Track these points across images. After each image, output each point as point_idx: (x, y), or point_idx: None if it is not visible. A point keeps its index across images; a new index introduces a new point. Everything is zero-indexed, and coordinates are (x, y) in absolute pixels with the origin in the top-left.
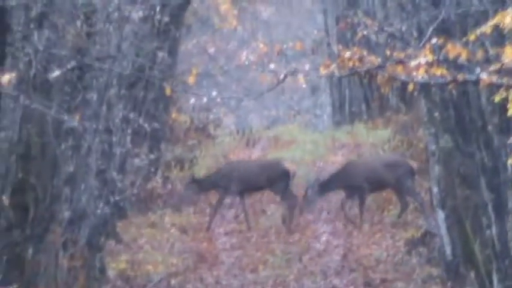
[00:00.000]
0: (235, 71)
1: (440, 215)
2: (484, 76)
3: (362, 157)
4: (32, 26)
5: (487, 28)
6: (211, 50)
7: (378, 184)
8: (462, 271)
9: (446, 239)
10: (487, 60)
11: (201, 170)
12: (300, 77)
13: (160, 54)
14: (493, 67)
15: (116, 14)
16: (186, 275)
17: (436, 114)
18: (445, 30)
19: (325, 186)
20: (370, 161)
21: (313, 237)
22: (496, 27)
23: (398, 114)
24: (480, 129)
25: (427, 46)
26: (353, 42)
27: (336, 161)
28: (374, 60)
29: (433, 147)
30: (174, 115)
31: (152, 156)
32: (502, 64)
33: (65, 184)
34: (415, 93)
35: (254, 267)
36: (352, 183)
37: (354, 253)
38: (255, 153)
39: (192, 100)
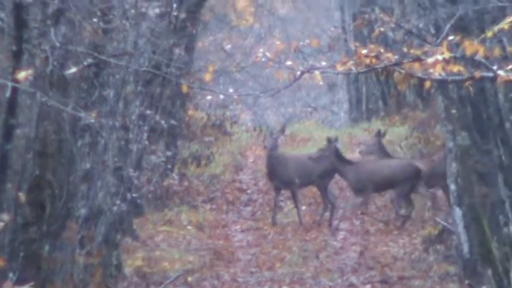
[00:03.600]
0: (252, 68)
1: (458, 212)
2: (501, 73)
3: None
4: (48, 22)
5: (504, 25)
6: (228, 47)
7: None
8: (479, 269)
9: (463, 237)
10: (505, 58)
11: (217, 167)
12: (317, 74)
13: (177, 51)
14: (511, 65)
15: (133, 11)
16: (203, 272)
17: (454, 111)
18: (463, 27)
19: None
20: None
21: (330, 235)
22: None
23: (416, 111)
24: (497, 127)
25: (444, 43)
26: (370, 39)
27: (353, 158)
28: (391, 57)
29: (450, 144)
30: (190, 112)
31: (169, 153)
32: None
33: (81, 181)
34: (432, 90)
35: (271, 265)
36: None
37: (371, 251)
38: None
39: (209, 97)
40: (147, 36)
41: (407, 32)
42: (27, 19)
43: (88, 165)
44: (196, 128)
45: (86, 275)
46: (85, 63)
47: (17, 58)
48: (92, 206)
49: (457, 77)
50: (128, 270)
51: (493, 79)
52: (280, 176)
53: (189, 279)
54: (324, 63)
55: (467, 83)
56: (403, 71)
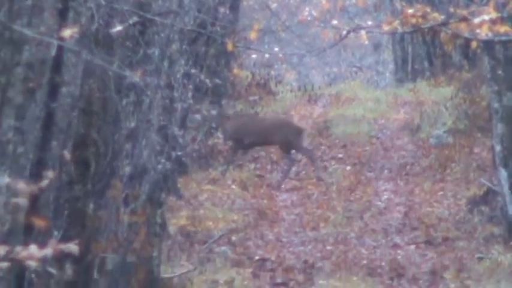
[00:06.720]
0: (297, 27)
1: (503, 173)
2: None
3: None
4: None
5: None
6: (273, 6)
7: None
8: None
9: (508, 198)
10: None
11: None
12: (363, 34)
13: (222, 9)
14: None
15: None
16: (247, 231)
17: (500, 71)
18: None
19: None
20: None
21: (375, 195)
22: None
23: (461, 71)
24: None
25: (491, 3)
26: None
27: (398, 118)
28: (437, 17)
29: (496, 105)
30: (235, 71)
31: (214, 112)
32: None
33: (126, 139)
34: (479, 51)
35: (315, 225)
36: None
37: (416, 211)
38: (317, 110)
39: (254, 56)
40: None
41: None
42: None
43: (133, 124)
44: (241, 87)
45: (130, 234)
46: (130, 22)
47: (62, 16)
48: (137, 164)
49: (504, 37)
50: (172, 229)
51: None
52: None
53: (233, 238)
54: (369, 23)
55: None
56: (449, 31)
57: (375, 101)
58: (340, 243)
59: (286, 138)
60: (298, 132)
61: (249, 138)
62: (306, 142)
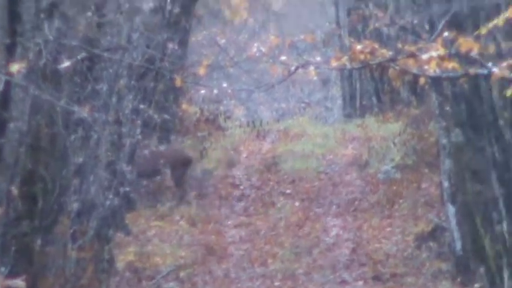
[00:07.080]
0: (246, 63)
1: (451, 209)
2: (495, 70)
3: None
4: (42, 16)
5: (499, 22)
6: (222, 42)
7: None
8: (472, 266)
9: (456, 234)
10: (499, 55)
11: (210, 162)
12: (311, 70)
13: (170, 45)
14: (505, 62)
15: (127, 5)
16: (195, 267)
17: (448, 108)
18: (457, 24)
19: None
20: None
21: (323, 231)
22: (508, 21)
23: (410, 107)
24: (491, 124)
25: (439, 40)
26: (364, 35)
27: (346, 154)
28: (385, 53)
29: (444, 141)
30: (184, 106)
31: (162, 148)
32: None
33: (74, 175)
34: (427, 87)
35: (263, 261)
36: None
37: (364, 247)
38: (265, 146)
39: (202, 91)
40: (140, 30)
41: (401, 28)
42: (20, 12)
43: (81, 160)
44: (190, 122)
45: (77, 270)
46: (78, 57)
47: (10, 51)
48: (84, 200)
49: (452, 74)
50: (119, 265)
51: (487, 76)
52: None
53: (181, 274)
54: (318, 59)
55: (461, 80)
56: (397, 67)
57: (324, 137)
58: (288, 279)
59: (173, 167)
60: (185, 162)
61: (143, 167)
62: (188, 173)
